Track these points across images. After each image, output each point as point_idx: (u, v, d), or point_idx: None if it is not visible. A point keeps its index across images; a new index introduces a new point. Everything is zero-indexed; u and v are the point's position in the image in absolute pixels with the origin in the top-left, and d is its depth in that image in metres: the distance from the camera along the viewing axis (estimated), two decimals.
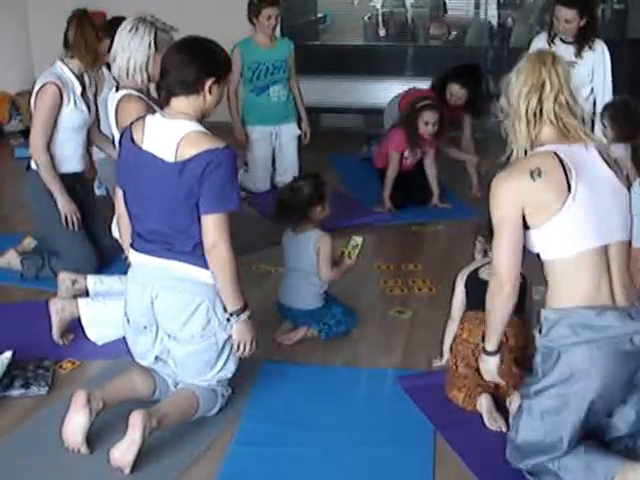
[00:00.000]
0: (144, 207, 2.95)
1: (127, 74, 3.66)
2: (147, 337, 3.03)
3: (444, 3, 9.27)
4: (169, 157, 2.81)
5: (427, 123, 5.41)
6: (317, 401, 3.28)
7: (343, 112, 8.02)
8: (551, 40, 5.15)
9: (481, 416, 3.11)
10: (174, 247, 2.90)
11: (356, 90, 7.62)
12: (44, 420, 3.13)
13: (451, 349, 3.35)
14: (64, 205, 4.25)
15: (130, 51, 3.62)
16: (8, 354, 3.35)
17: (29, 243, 4.63)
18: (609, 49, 5.30)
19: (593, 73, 5.20)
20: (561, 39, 5.14)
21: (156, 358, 3.06)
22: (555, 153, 2.60)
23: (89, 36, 4.21)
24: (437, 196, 5.67)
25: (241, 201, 2.89)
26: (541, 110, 2.63)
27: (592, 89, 5.22)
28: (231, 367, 3.09)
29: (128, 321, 3.07)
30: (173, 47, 2.93)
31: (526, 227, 2.64)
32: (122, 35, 3.64)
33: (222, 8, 7.28)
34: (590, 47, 5.15)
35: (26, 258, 4.43)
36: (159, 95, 3.09)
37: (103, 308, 3.68)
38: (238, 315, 2.92)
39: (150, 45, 3.61)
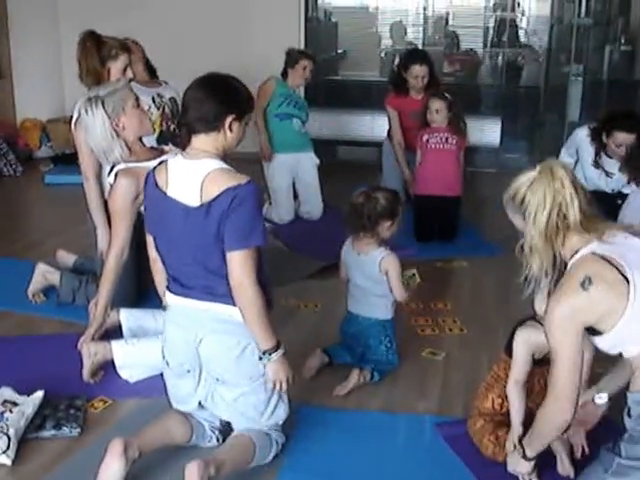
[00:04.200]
0: (176, 252, 2.69)
1: (107, 157, 3.44)
2: (190, 381, 2.76)
3: (457, 41, 9.03)
4: (194, 201, 2.55)
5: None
6: (356, 450, 2.98)
7: (360, 145, 7.80)
8: (596, 155, 5.03)
9: None
10: (212, 289, 2.64)
11: (372, 124, 7.40)
12: (77, 464, 2.85)
13: (488, 389, 3.04)
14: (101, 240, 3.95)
15: (95, 138, 3.42)
16: (40, 394, 3.07)
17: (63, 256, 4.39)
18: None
19: None
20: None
21: (200, 404, 2.78)
22: (594, 253, 2.32)
23: (91, 59, 3.93)
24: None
25: (266, 236, 2.64)
26: (565, 221, 2.38)
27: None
28: (281, 414, 2.84)
29: (168, 364, 2.80)
30: (193, 84, 2.64)
31: (597, 333, 2.36)
32: (85, 123, 3.43)
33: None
34: None
35: (65, 275, 4.16)
36: (179, 134, 2.83)
37: (137, 350, 3.41)
38: (270, 354, 2.65)
39: (104, 122, 3.38)
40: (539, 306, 2.83)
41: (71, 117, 3.89)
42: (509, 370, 2.95)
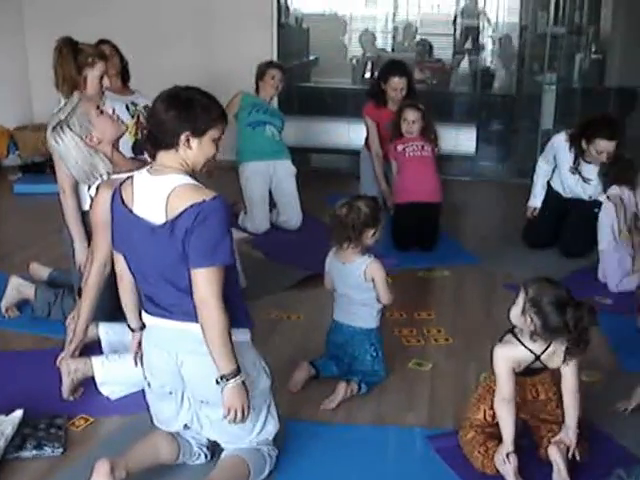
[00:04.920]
0: (144, 272, 2.61)
1: (92, 177, 3.34)
2: (172, 403, 2.69)
3: (430, 48, 9.04)
4: (159, 219, 2.47)
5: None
6: (348, 464, 2.93)
7: (333, 152, 7.77)
8: (576, 161, 5.08)
9: None
10: (185, 308, 2.53)
11: (345, 131, 7.38)
12: None
13: (479, 400, 3.02)
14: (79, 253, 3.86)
15: (74, 165, 3.31)
16: (19, 413, 2.99)
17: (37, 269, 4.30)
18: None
19: None
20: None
21: (185, 426, 2.71)
22: None
23: (67, 67, 3.82)
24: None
25: (233, 255, 2.52)
26: None
27: None
28: (271, 429, 2.78)
29: (149, 385, 2.72)
30: (156, 98, 2.54)
31: None
32: (59, 154, 3.34)
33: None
34: None
35: (40, 289, 4.06)
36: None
37: (118, 367, 3.31)
38: (228, 380, 2.51)
39: (77, 143, 3.27)
40: (513, 314, 2.84)
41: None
42: None
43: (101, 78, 3.85)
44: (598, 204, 4.90)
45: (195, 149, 2.51)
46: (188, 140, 2.49)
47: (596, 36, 8.22)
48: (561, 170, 5.26)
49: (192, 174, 2.55)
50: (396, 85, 5.60)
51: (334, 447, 3.03)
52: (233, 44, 6.70)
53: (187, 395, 2.68)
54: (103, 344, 3.53)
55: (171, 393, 2.67)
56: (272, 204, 5.79)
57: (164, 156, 2.52)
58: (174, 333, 2.59)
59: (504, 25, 8.55)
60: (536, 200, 5.45)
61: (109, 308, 3.76)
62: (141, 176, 2.58)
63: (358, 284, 3.44)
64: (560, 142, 5.19)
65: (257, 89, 5.73)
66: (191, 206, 2.41)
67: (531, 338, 2.80)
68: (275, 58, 6.81)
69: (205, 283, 2.44)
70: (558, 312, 2.73)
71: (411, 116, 5.30)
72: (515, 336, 2.85)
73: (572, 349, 2.79)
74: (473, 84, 8.42)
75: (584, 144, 4.96)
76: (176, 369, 2.60)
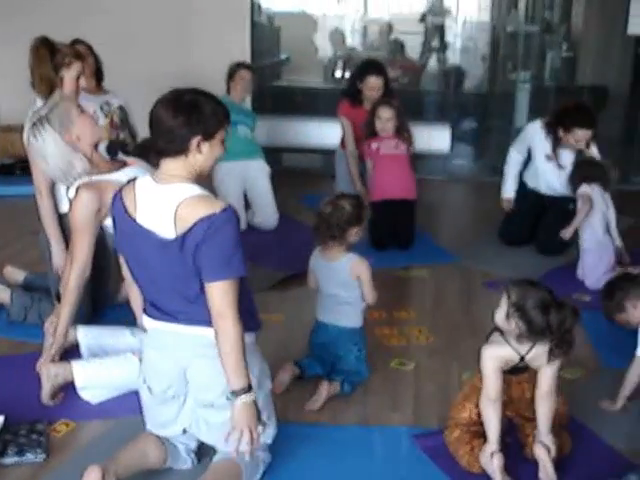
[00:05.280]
0: (152, 281, 2.58)
1: (69, 177, 3.31)
2: (173, 407, 2.67)
3: (401, 47, 9.08)
4: (168, 233, 2.43)
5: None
6: (336, 465, 2.93)
7: (305, 152, 7.76)
8: (553, 148, 5.14)
9: None
10: (191, 315, 2.53)
11: (317, 130, 7.37)
12: None
13: (465, 399, 3.04)
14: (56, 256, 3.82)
15: (52, 161, 3.27)
16: (0, 419, 2.94)
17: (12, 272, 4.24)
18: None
19: None
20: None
21: (183, 430, 2.69)
22: None
23: (44, 67, 3.79)
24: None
25: (245, 269, 2.48)
26: None
27: None
28: (270, 433, 2.77)
29: (150, 390, 2.69)
30: (157, 104, 2.47)
31: None
32: (37, 149, 3.28)
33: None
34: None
35: (15, 293, 4.00)
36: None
37: (99, 370, 3.29)
38: (239, 396, 2.46)
39: (55, 140, 3.24)
40: (498, 318, 2.86)
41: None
42: None
43: (77, 78, 3.82)
44: (573, 200, 4.95)
45: (206, 153, 2.47)
46: (199, 145, 2.44)
47: (567, 34, 8.29)
48: (536, 158, 5.29)
49: (198, 180, 2.52)
50: (373, 85, 5.59)
51: (321, 448, 3.03)
52: (207, 43, 6.67)
53: (189, 399, 2.65)
54: (82, 348, 3.50)
55: (173, 397, 2.65)
56: (247, 205, 5.77)
57: (171, 164, 2.47)
58: (179, 337, 2.57)
59: (475, 23, 8.58)
60: (510, 191, 5.48)
61: (86, 312, 3.76)
62: (145, 183, 2.52)
63: (344, 282, 3.45)
64: (535, 129, 5.23)
65: (228, 90, 5.72)
66: (201, 220, 2.37)
67: (517, 341, 2.81)
68: (249, 57, 6.80)
69: (221, 296, 2.42)
70: (542, 315, 2.75)
71: (385, 114, 5.30)
72: (502, 335, 2.86)
73: (555, 351, 2.81)
74: (446, 83, 8.47)
75: (561, 133, 5.01)
76: (181, 372, 2.58)
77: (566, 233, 4.77)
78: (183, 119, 2.40)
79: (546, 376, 2.85)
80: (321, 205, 3.50)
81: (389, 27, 9.17)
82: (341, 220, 3.41)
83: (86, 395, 3.29)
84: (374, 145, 5.34)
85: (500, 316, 2.83)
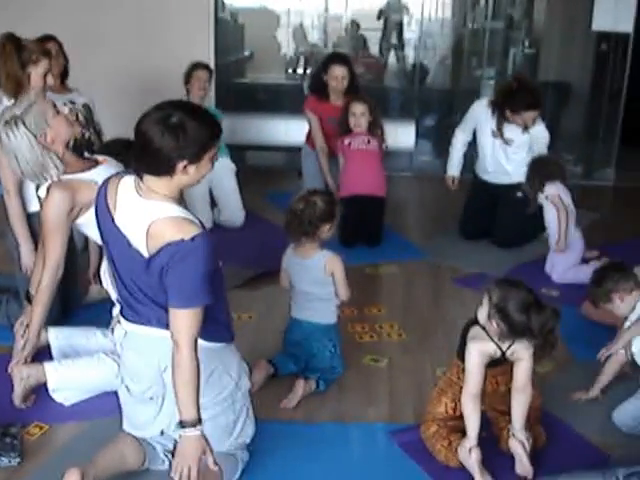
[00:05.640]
0: (123, 279, 2.54)
1: (42, 178, 3.26)
2: (151, 408, 2.66)
3: (364, 43, 9.10)
4: (139, 246, 2.40)
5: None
6: (313, 463, 2.95)
7: (270, 150, 7.76)
8: (499, 125, 5.21)
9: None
10: (165, 320, 2.47)
11: (282, 127, 7.37)
12: None
13: (441, 394, 3.08)
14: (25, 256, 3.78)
15: (24, 162, 3.21)
16: None
17: None
18: None
19: (532, 145, 5.29)
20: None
21: (161, 432, 2.68)
22: None
23: (11, 64, 3.73)
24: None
25: (211, 297, 2.42)
26: None
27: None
28: (249, 432, 2.79)
29: (128, 390, 2.68)
30: (144, 119, 2.37)
31: None
32: (9, 149, 3.23)
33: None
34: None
35: None
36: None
37: (72, 372, 3.27)
38: (186, 427, 2.41)
39: (30, 141, 3.19)
40: (480, 317, 2.90)
41: None
42: (462, 374, 2.98)
43: (45, 75, 3.78)
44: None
45: (192, 174, 2.41)
46: (185, 167, 2.38)
47: (530, 30, 8.38)
48: (482, 136, 5.36)
49: (179, 199, 2.46)
50: (337, 74, 5.59)
51: (298, 446, 3.05)
52: (171, 41, 6.61)
53: (167, 400, 2.63)
54: (53, 349, 3.48)
55: (152, 399, 2.63)
56: (213, 203, 5.76)
57: (154, 181, 2.40)
58: (154, 340, 2.54)
59: (439, 20, 8.63)
60: (454, 170, 5.57)
61: (56, 313, 3.73)
62: (127, 187, 2.47)
63: (318, 279, 3.47)
64: (482, 108, 5.30)
65: (187, 92, 5.74)
66: (168, 244, 2.32)
67: (499, 340, 2.85)
68: (213, 54, 6.79)
69: (181, 324, 2.38)
70: (523, 317, 2.79)
71: (359, 109, 5.33)
72: (484, 329, 2.89)
73: (539, 353, 2.86)
74: (410, 79, 8.50)
75: (508, 113, 5.11)
76: (158, 374, 2.56)
77: (560, 245, 4.74)
78: (170, 142, 2.32)
79: (522, 370, 2.89)
80: (293, 201, 3.51)
81: (352, 23, 9.19)
82: (313, 216, 3.43)
83: (59, 397, 3.27)
84: (346, 140, 5.37)
85: (482, 316, 2.87)
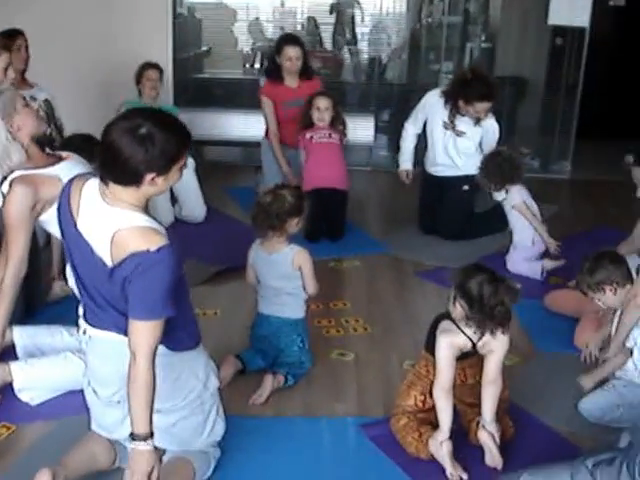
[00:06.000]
0: (84, 283, 2.49)
1: (2, 164, 3.22)
2: (119, 411, 2.60)
3: (321, 38, 9.10)
4: (102, 254, 2.34)
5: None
6: (283, 458, 2.96)
7: (228, 145, 7.73)
8: (451, 116, 5.25)
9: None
10: (126, 327, 2.42)
11: (240, 122, 7.35)
12: None
13: (410, 386, 3.10)
14: None
15: None
16: None
17: None
18: None
19: (482, 139, 5.36)
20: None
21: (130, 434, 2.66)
22: None
23: None
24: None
25: (174, 308, 2.36)
26: None
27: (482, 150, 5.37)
28: (219, 430, 2.77)
29: (95, 392, 2.64)
30: (111, 127, 2.31)
31: None
32: None
33: None
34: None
35: None
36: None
37: (38, 371, 3.24)
38: (137, 441, 2.38)
39: None
40: (450, 305, 2.92)
41: None
42: (430, 367, 3.01)
43: (5, 70, 3.73)
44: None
45: (160, 185, 2.36)
46: (154, 179, 2.33)
47: (486, 25, 8.44)
48: (434, 128, 5.39)
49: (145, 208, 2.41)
50: (290, 54, 5.60)
51: (268, 441, 3.05)
52: (130, 36, 6.54)
53: None
54: (18, 348, 3.43)
55: (119, 402, 2.59)
56: (174, 198, 5.73)
57: (120, 190, 2.34)
58: (119, 345, 2.47)
59: (397, 14, 8.66)
60: (407, 163, 5.58)
61: (19, 311, 3.67)
62: (92, 191, 2.40)
63: (286, 274, 3.48)
64: (434, 98, 5.33)
65: (140, 92, 5.76)
66: (132, 255, 2.27)
67: (466, 324, 2.88)
68: (171, 49, 6.75)
69: (140, 336, 2.33)
70: (478, 289, 2.82)
71: (323, 104, 5.35)
72: (454, 322, 2.92)
73: (488, 323, 2.83)
74: (368, 74, 8.51)
75: (461, 103, 5.15)
76: (124, 378, 2.48)
77: (551, 246, 4.77)
78: (139, 154, 2.27)
79: (493, 362, 2.92)
80: (260, 194, 3.51)
81: (308, 18, 9.18)
82: (281, 210, 3.43)
83: (25, 397, 3.23)
84: (308, 134, 5.38)
85: (450, 303, 2.89)
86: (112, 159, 2.30)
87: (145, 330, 2.33)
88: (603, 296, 3.40)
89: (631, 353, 3.29)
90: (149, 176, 2.31)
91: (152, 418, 2.38)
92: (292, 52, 5.63)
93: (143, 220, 2.34)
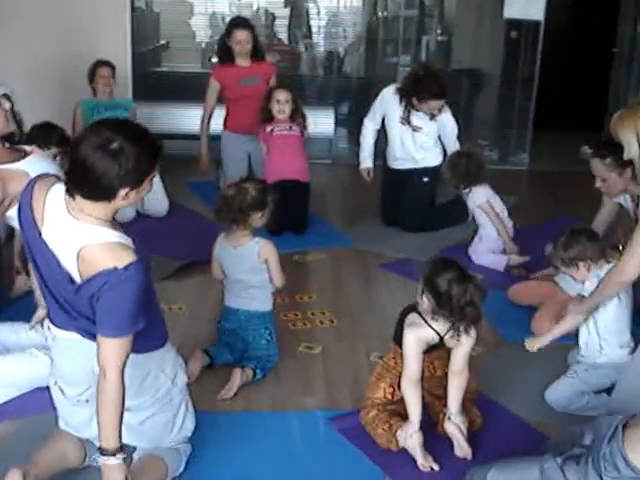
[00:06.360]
0: (51, 289, 2.42)
1: None
2: (87, 410, 2.55)
3: (274, 32, 9.06)
4: (70, 269, 2.30)
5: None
6: (253, 452, 2.95)
7: (186, 138, 7.66)
8: (406, 112, 5.29)
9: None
10: (94, 330, 2.36)
11: (197, 116, 7.29)
12: None
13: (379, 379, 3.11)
14: None
15: None
16: None
17: None
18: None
19: (439, 132, 5.42)
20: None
21: None
22: None
23: None
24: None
25: (143, 321, 2.32)
26: None
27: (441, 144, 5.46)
28: (189, 425, 2.75)
29: (62, 392, 2.60)
30: (81, 141, 2.27)
31: None
32: None
33: None
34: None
35: None
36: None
37: (3, 369, 3.18)
38: (106, 455, 2.34)
39: None
40: (418, 298, 2.92)
41: None
42: (399, 359, 3.02)
43: None
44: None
45: (132, 198, 2.31)
46: (127, 194, 2.28)
47: (442, 18, 8.48)
48: (390, 123, 5.42)
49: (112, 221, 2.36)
50: (240, 38, 5.59)
51: (238, 436, 3.04)
52: (88, 30, 6.45)
53: None
54: None
55: (87, 401, 2.55)
56: None
57: (89, 205, 2.28)
58: (85, 345, 2.43)
59: (354, 8, 8.65)
60: (367, 161, 5.61)
61: None
62: (57, 199, 2.34)
63: (252, 267, 3.47)
64: (390, 95, 5.37)
65: (94, 91, 5.75)
66: (100, 273, 2.22)
67: (432, 318, 2.89)
68: (130, 43, 6.68)
69: (109, 352, 2.29)
70: (447, 287, 2.82)
71: (283, 96, 5.34)
72: (421, 316, 2.93)
73: (457, 325, 2.87)
74: (326, 67, 8.50)
75: (415, 100, 5.19)
76: (93, 376, 2.45)
77: (509, 247, 4.83)
78: (112, 171, 2.21)
79: (460, 354, 2.94)
80: (224, 188, 3.49)
81: (265, 11, 9.14)
82: (244, 204, 3.41)
83: None
84: (268, 128, 5.36)
85: (418, 296, 2.90)
86: (84, 175, 2.24)
87: (114, 347, 2.29)
88: (577, 272, 3.32)
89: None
90: (123, 191, 2.27)
91: (121, 430, 2.35)
92: (241, 35, 5.62)
93: (111, 235, 2.30)
